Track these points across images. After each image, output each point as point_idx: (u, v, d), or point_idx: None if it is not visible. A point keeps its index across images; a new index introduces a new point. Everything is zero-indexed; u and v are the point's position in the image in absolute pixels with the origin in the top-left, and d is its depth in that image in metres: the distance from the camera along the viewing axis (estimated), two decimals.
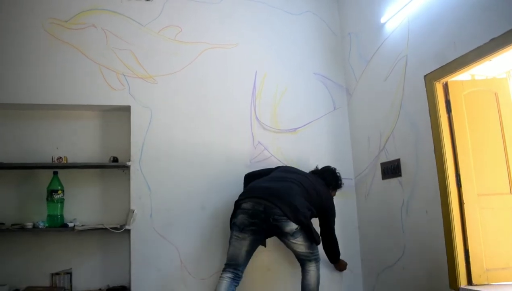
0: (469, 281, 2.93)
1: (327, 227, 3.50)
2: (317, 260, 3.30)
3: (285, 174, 3.44)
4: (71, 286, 3.45)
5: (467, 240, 2.96)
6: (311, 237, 3.18)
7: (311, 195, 3.30)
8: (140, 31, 3.82)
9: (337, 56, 4.31)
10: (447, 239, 3.00)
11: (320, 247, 3.45)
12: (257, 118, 3.96)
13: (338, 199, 4.01)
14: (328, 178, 3.64)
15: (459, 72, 2.99)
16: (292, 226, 3.06)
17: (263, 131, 3.96)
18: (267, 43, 4.12)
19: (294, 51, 4.18)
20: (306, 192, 3.27)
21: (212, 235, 3.68)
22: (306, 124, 4.08)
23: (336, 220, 3.96)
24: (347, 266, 3.86)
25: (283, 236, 3.16)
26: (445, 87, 3.14)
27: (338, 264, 3.79)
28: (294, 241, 3.14)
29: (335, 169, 3.73)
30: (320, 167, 3.77)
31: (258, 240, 3.25)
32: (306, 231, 3.14)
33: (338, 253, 3.68)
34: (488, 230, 3.00)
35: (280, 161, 3.93)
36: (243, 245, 3.13)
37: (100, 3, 3.78)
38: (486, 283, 2.92)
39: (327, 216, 3.48)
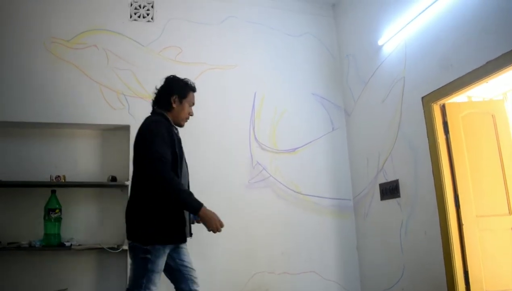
0: None
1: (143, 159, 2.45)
2: None
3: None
4: None
5: (467, 261, 2.96)
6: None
7: (134, 167, 2.58)
8: (141, 52, 3.86)
9: (336, 77, 4.36)
10: (447, 260, 2.99)
11: None
12: (256, 138, 3.98)
13: (337, 219, 4.02)
14: (158, 100, 2.73)
15: (456, 94, 3.04)
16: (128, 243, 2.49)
17: (262, 151, 3.97)
18: (266, 64, 4.16)
19: (293, 72, 4.23)
20: (133, 173, 2.58)
21: (210, 256, 3.65)
22: (305, 144, 4.10)
23: (334, 240, 3.96)
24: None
25: None
26: (443, 109, 3.18)
27: (202, 217, 2.43)
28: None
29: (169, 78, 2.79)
30: None
31: None
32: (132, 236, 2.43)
33: (185, 199, 2.42)
34: (487, 251, 3.00)
35: (279, 181, 3.93)
36: None
37: (102, 24, 3.82)
38: None
39: (141, 147, 2.51)
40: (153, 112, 2.73)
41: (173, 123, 2.68)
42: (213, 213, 2.44)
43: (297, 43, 4.31)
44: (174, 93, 2.68)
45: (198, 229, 3.70)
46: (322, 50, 4.39)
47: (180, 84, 2.74)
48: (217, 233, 2.47)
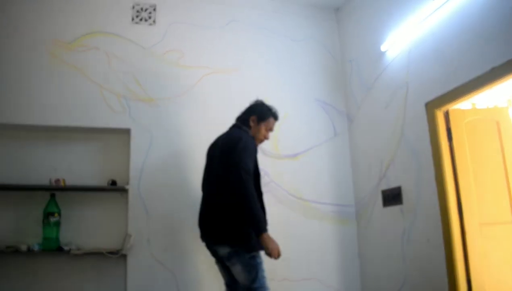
0: None
1: (230, 167, 2.63)
2: None
3: (205, 179, 2.99)
4: None
5: (470, 270, 2.92)
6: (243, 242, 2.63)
7: (217, 174, 2.78)
8: (143, 55, 3.84)
9: (338, 82, 4.34)
10: (449, 268, 2.95)
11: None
12: None
13: (338, 226, 3.98)
14: (241, 117, 3.01)
15: (460, 100, 3.00)
16: (224, 250, 2.69)
17: (264, 156, 3.93)
18: (268, 69, 4.14)
19: (295, 77, 4.21)
20: (215, 180, 2.79)
21: (210, 262, 3.61)
22: (307, 150, 4.07)
23: (335, 246, 3.93)
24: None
25: (226, 263, 2.78)
26: (446, 115, 3.15)
27: (262, 240, 2.58)
28: (232, 267, 2.72)
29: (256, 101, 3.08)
30: None
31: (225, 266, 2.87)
32: (237, 240, 2.63)
33: (255, 216, 2.57)
34: (490, 259, 2.96)
35: (280, 186, 3.90)
36: (220, 271, 2.99)
37: (104, 27, 3.81)
38: None
39: (230, 154, 2.67)
40: (236, 127, 2.97)
41: None
42: (274, 241, 2.60)
43: (300, 47, 4.29)
44: (254, 114, 2.96)
45: (190, 231, 3.68)
46: (325, 54, 4.36)
47: (263, 108, 3.01)
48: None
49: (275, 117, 3.04)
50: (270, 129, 3.03)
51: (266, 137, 3.01)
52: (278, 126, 4.01)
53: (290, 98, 4.14)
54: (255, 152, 2.77)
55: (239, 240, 2.64)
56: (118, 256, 3.37)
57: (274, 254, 2.58)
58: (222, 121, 3.87)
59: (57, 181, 3.39)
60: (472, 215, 3.00)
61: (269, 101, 4.00)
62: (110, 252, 3.36)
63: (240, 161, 2.59)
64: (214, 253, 2.88)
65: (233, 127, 3.00)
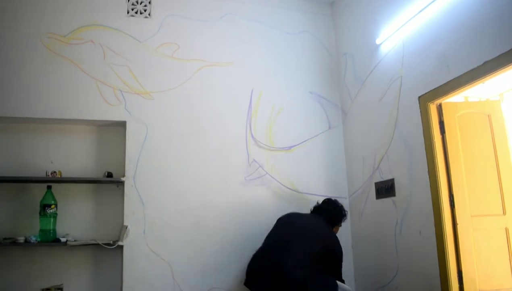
0: None
1: (332, 273, 3.10)
2: None
3: (281, 237, 3.21)
4: None
5: (460, 261, 2.97)
6: None
7: (309, 245, 3.07)
8: (138, 48, 3.84)
9: (333, 76, 4.36)
10: (440, 259, 3.00)
11: None
12: (252, 136, 3.98)
13: None
14: (328, 215, 3.42)
15: (452, 94, 3.04)
16: None
17: (258, 149, 3.97)
18: (263, 62, 4.16)
19: (291, 70, 4.23)
20: (301, 246, 3.05)
21: (206, 253, 3.66)
22: (302, 142, 4.10)
23: None
24: None
25: None
26: (439, 108, 3.18)
27: None
28: None
29: (335, 200, 3.54)
30: (320, 202, 3.55)
31: None
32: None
33: None
34: (481, 251, 3.02)
35: (275, 179, 3.94)
36: None
37: (99, 19, 3.80)
38: None
39: (332, 259, 3.13)
40: (328, 222, 3.39)
41: None
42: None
43: (295, 41, 4.31)
44: (339, 223, 3.50)
45: (186, 223, 3.72)
46: (320, 48, 4.38)
47: (344, 217, 3.51)
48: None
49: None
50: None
51: None
52: (273, 119, 4.07)
53: (285, 91, 4.16)
54: None
55: None
56: (114, 247, 3.39)
57: None
58: (218, 114, 3.93)
59: (54, 173, 3.41)
60: (463, 207, 3.05)
61: (264, 94, 4.08)
62: (107, 243, 3.39)
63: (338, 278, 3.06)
64: None
65: (326, 221, 3.37)
